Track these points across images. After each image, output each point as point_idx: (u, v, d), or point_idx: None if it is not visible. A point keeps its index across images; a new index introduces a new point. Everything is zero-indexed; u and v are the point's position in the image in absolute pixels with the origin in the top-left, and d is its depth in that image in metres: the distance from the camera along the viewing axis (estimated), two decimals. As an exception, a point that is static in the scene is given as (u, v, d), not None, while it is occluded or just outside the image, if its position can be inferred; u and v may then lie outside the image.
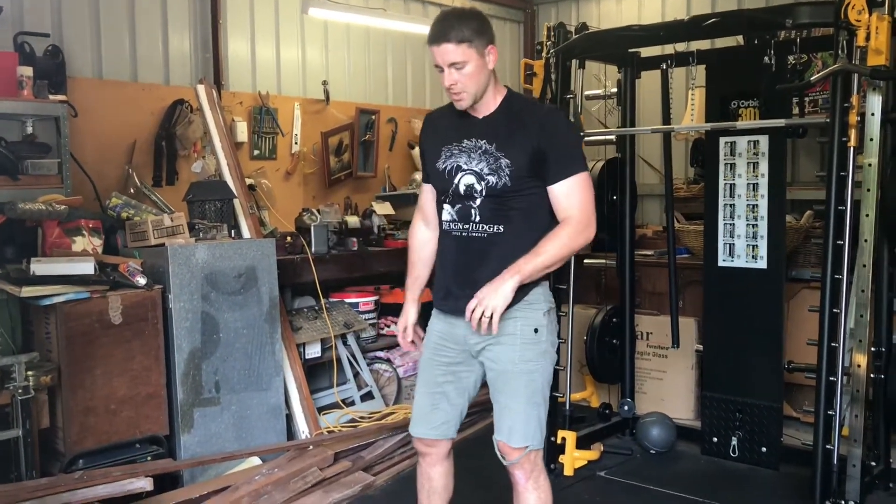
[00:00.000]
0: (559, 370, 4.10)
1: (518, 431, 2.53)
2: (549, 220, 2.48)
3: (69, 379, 3.40)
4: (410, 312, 2.76)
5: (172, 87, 4.75)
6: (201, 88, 4.54)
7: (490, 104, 2.52)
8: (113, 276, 3.58)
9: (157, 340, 3.63)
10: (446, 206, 2.57)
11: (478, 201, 2.49)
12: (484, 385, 2.68)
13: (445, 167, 2.54)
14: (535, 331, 2.53)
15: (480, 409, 4.65)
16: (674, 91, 4.44)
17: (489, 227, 2.49)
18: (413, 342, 2.73)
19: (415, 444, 2.75)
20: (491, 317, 2.34)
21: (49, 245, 3.67)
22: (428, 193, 2.72)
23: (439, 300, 2.64)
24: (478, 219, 2.50)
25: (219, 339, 3.83)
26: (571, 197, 2.44)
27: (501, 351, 2.53)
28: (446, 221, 2.58)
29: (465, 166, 2.49)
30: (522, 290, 2.46)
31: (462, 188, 2.50)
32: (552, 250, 2.41)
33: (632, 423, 4.51)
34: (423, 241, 2.77)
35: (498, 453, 2.58)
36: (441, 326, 2.65)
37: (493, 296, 2.34)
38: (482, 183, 2.47)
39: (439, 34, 2.42)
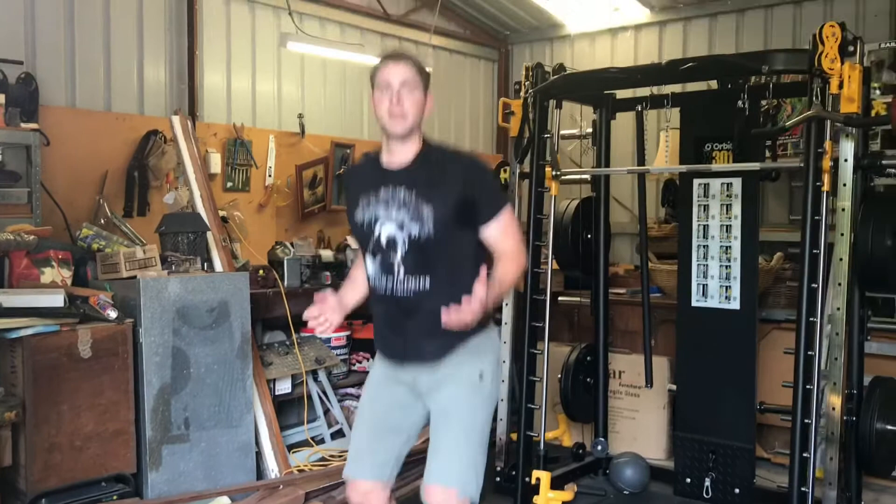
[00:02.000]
0: (534, 409, 4.10)
1: (453, 472, 2.41)
2: (472, 269, 2.39)
3: (34, 414, 3.30)
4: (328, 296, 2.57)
5: (147, 117, 4.71)
6: (176, 119, 4.49)
7: (409, 151, 2.45)
8: (83, 308, 3.50)
9: (126, 375, 3.55)
10: (369, 259, 2.48)
11: (399, 254, 2.41)
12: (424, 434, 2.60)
13: (364, 218, 2.46)
14: (481, 376, 2.49)
15: (419, 457, 4.60)
16: (647, 132, 4.50)
17: (414, 282, 2.41)
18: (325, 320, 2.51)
19: (348, 493, 2.60)
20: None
21: (17, 276, 3.58)
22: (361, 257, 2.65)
23: (380, 347, 2.59)
24: (401, 272, 2.41)
25: (189, 374, 3.75)
26: (507, 233, 2.45)
27: (446, 391, 2.47)
28: (372, 276, 2.49)
29: (382, 216, 2.42)
30: (470, 335, 2.44)
31: (384, 239, 2.42)
32: (505, 280, 2.40)
33: (605, 462, 4.49)
34: (356, 278, 2.69)
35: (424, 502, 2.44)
36: (385, 370, 2.59)
37: (470, 318, 2.24)
38: (403, 232, 2.39)
39: (398, 55, 2.44)
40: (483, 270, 2.38)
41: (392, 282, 2.43)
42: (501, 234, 2.45)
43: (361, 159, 2.68)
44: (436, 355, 2.46)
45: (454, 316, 2.22)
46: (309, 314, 2.48)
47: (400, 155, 2.45)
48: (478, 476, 2.45)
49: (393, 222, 2.40)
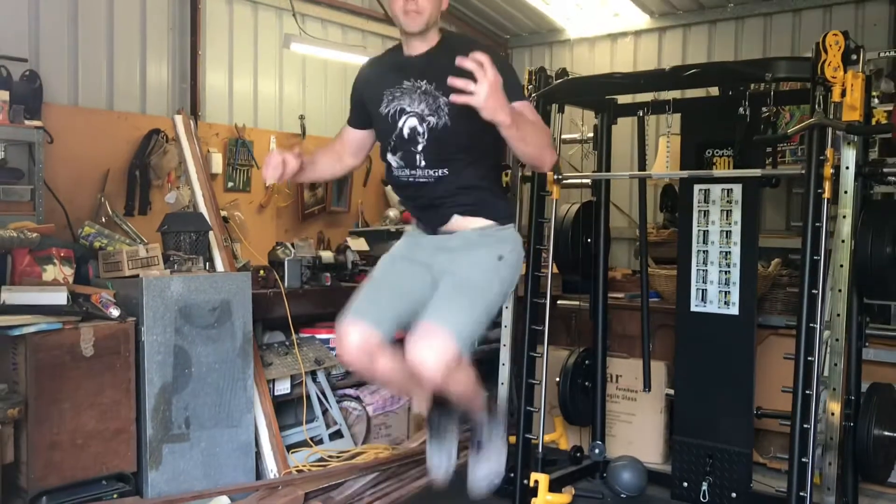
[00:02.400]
0: (533, 412, 4.12)
1: (452, 317, 2.30)
2: (492, 163, 2.44)
3: (36, 412, 3.30)
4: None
5: (149, 116, 4.71)
6: (179, 119, 4.50)
7: (429, 41, 2.45)
8: (85, 306, 3.50)
9: (128, 374, 3.56)
10: (390, 155, 2.50)
11: (420, 146, 2.42)
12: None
13: (388, 111, 2.45)
14: (500, 258, 2.47)
15: (419, 458, 4.61)
16: (648, 138, 4.53)
17: (433, 171, 2.43)
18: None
19: (339, 344, 2.46)
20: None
21: (19, 273, 3.59)
22: (349, 133, 2.68)
23: (415, 219, 2.64)
24: (422, 164, 2.44)
25: (190, 373, 3.76)
26: (527, 115, 2.33)
27: (462, 263, 2.44)
28: (394, 168, 2.52)
29: (408, 108, 2.41)
30: (493, 218, 2.47)
31: (406, 131, 2.42)
32: (536, 130, 2.32)
33: (602, 466, 4.51)
34: (332, 148, 2.71)
35: (410, 348, 2.25)
36: (404, 247, 2.61)
37: (490, 98, 2.07)
38: (424, 125, 2.39)
39: None
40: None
41: (415, 172, 2.46)
42: (520, 110, 2.29)
43: (383, 53, 2.66)
44: (463, 213, 2.46)
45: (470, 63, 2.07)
46: (270, 160, 2.44)
47: (421, 44, 2.45)
48: (473, 337, 2.38)
49: (415, 114, 2.41)
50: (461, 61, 2.07)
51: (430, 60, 2.42)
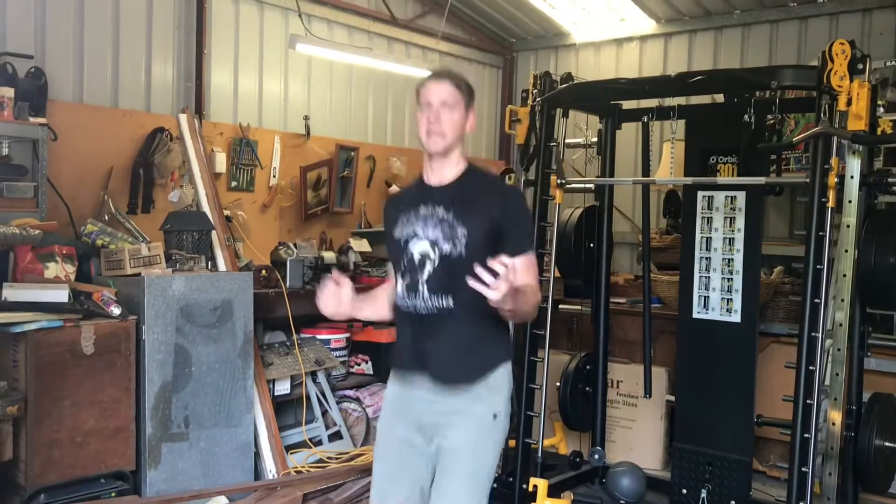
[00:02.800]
0: (533, 416, 4.11)
1: None
2: None
3: (36, 409, 3.30)
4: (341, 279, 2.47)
5: (153, 114, 4.71)
6: (183, 117, 4.50)
7: (451, 171, 2.47)
8: (87, 304, 3.50)
9: (128, 372, 3.55)
10: (399, 281, 2.47)
11: (426, 273, 2.39)
12: None
13: (401, 236, 2.44)
14: (494, 417, 2.44)
15: None
16: (652, 143, 4.52)
17: (437, 301, 2.39)
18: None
19: None
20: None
21: (21, 270, 3.58)
22: (393, 272, 2.62)
23: (399, 365, 2.54)
24: (425, 291, 2.39)
25: (191, 372, 3.75)
26: (527, 271, 2.37)
27: (459, 429, 2.41)
28: (399, 297, 2.46)
29: (420, 233, 2.41)
30: (483, 366, 2.42)
31: (416, 256, 2.40)
32: (528, 299, 2.29)
33: (602, 471, 4.50)
34: (377, 293, 2.68)
35: None
36: (392, 403, 2.55)
37: (506, 298, 2.11)
38: (436, 251, 2.39)
39: (442, 74, 2.46)
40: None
41: (417, 300, 2.41)
42: (523, 270, 2.32)
43: (407, 185, 2.71)
44: (456, 377, 2.42)
45: (489, 282, 2.11)
46: (330, 284, 2.41)
47: (441, 174, 2.47)
48: None
49: (427, 240, 2.40)
50: (493, 263, 2.10)
51: (451, 191, 2.44)
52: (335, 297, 2.40)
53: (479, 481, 2.42)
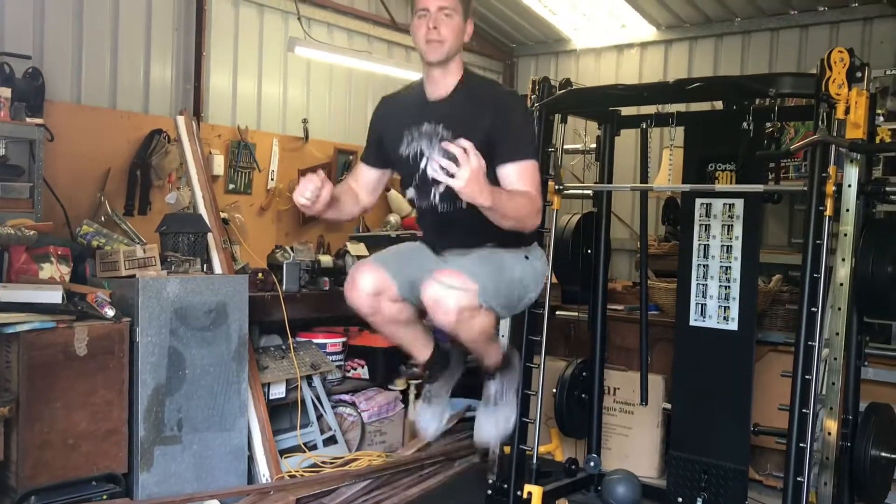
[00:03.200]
0: (528, 423, 4.09)
1: (472, 270, 2.30)
2: None
3: (27, 411, 3.28)
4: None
5: (151, 116, 4.70)
6: (181, 119, 4.49)
7: (451, 80, 2.47)
8: (80, 306, 3.49)
9: (121, 374, 3.54)
10: (411, 190, 2.57)
11: (442, 187, 2.41)
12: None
13: (409, 153, 2.50)
14: (526, 257, 2.52)
15: (444, 458, 4.61)
16: (650, 150, 4.51)
17: (456, 204, 2.44)
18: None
19: (356, 283, 2.43)
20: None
21: (15, 271, 3.57)
22: (364, 174, 2.67)
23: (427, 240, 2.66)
24: (437, 200, 2.50)
25: (184, 375, 3.74)
26: (524, 179, 2.34)
27: (477, 250, 2.47)
28: (412, 198, 2.60)
29: (427, 152, 2.46)
30: (515, 244, 2.49)
31: (429, 174, 2.36)
32: (516, 202, 2.29)
33: (597, 479, 4.48)
34: (350, 186, 2.68)
35: (427, 286, 2.26)
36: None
37: (470, 181, 2.10)
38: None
39: None
40: None
41: (435, 201, 2.50)
42: (518, 177, 2.34)
43: (403, 89, 2.66)
44: (485, 241, 2.48)
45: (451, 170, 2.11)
46: (309, 180, 2.36)
47: (441, 84, 2.46)
48: (497, 297, 2.33)
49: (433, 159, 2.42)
50: (447, 146, 2.14)
51: (450, 106, 2.45)
52: (313, 193, 2.34)
53: (501, 271, 2.39)
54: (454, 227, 2.53)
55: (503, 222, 2.28)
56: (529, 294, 2.55)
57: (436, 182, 2.35)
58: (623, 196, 5.99)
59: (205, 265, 4.07)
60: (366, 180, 2.68)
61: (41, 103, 3.98)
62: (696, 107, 5.00)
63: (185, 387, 3.73)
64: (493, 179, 2.30)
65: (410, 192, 2.57)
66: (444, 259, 2.59)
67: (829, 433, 3.30)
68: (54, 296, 3.40)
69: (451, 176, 2.09)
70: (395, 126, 2.54)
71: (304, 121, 5.46)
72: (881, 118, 4.39)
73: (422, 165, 2.46)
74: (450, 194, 2.39)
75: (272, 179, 5.28)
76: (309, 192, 2.33)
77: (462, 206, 2.36)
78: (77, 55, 4.41)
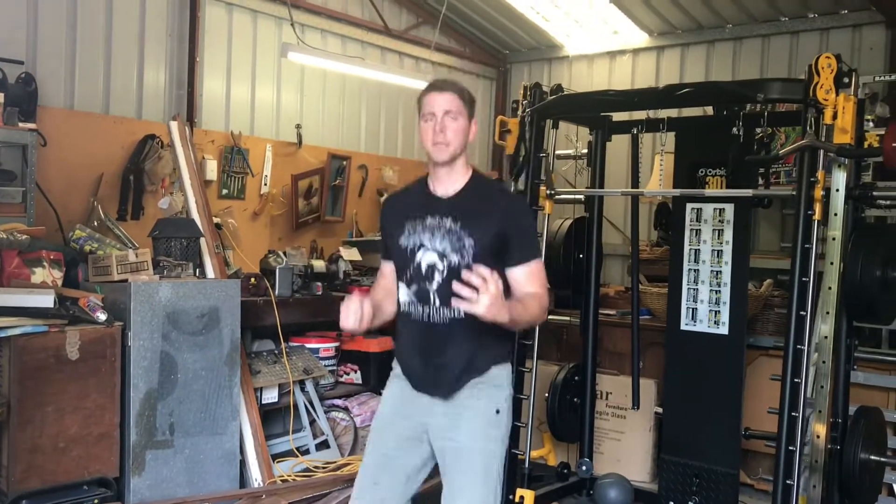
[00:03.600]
0: (520, 427, 4.09)
1: None
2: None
3: (18, 415, 3.29)
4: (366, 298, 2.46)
5: (144, 121, 4.72)
6: (174, 125, 4.51)
7: (456, 180, 2.53)
8: (72, 310, 3.50)
9: (113, 378, 3.54)
10: (403, 287, 2.52)
11: (436, 283, 2.45)
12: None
13: (408, 245, 2.50)
14: (497, 412, 2.50)
15: (436, 464, 4.60)
16: (641, 156, 4.54)
17: (449, 311, 2.43)
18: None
19: None
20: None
21: (7, 275, 3.58)
22: (388, 269, 2.66)
23: (404, 370, 2.57)
24: (437, 302, 2.45)
25: (176, 379, 3.74)
26: (533, 280, 2.48)
27: (461, 429, 2.46)
28: (405, 303, 2.52)
29: (427, 244, 2.47)
30: (490, 365, 2.49)
31: (424, 267, 2.46)
32: (527, 309, 2.40)
33: (589, 483, 4.49)
34: (386, 287, 2.66)
35: None
36: (395, 401, 2.58)
37: (491, 307, 2.20)
38: (444, 262, 2.44)
39: (443, 84, 2.51)
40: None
41: (427, 310, 2.47)
42: (527, 278, 2.47)
43: (408, 186, 2.72)
44: (459, 382, 2.47)
45: (471, 298, 2.20)
46: (349, 305, 2.39)
47: (447, 183, 2.52)
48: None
49: (435, 251, 2.46)
50: (467, 276, 2.21)
51: (458, 202, 2.50)
52: (356, 315, 2.39)
53: (490, 477, 2.47)
54: (442, 352, 2.46)
55: (515, 328, 2.47)
56: (504, 452, 2.57)
57: (430, 277, 2.44)
58: (616, 201, 6.01)
59: (197, 270, 4.07)
60: (391, 274, 2.65)
61: (34, 108, 4.00)
62: (687, 112, 5.03)
63: (177, 391, 3.74)
64: (504, 276, 2.45)
65: (403, 294, 2.52)
66: (424, 420, 2.52)
67: (818, 436, 3.31)
68: (46, 300, 3.41)
69: (469, 301, 2.20)
70: (398, 219, 2.56)
71: (298, 126, 5.48)
72: (870, 124, 4.42)
73: (418, 257, 2.47)
74: (449, 291, 2.36)
75: (265, 185, 5.29)
76: (352, 316, 2.38)
77: (460, 313, 2.38)
78: (70, 61, 4.42)
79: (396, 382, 2.61)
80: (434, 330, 2.47)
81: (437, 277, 2.45)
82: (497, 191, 2.66)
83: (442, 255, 2.45)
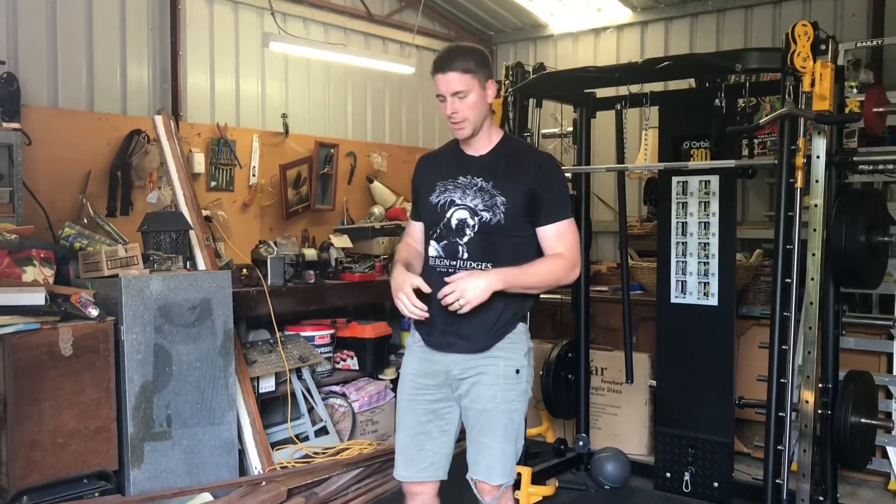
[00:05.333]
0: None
1: (497, 470, 2.55)
2: (526, 259, 2.53)
3: (15, 412, 3.31)
4: (411, 275, 2.52)
5: (129, 117, 4.72)
6: (159, 119, 4.51)
7: (486, 143, 2.59)
8: (64, 307, 3.51)
9: (108, 373, 3.56)
10: (433, 243, 2.59)
11: (466, 238, 2.52)
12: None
13: (438, 201, 2.57)
14: (517, 371, 2.57)
15: None
16: (628, 131, 4.54)
17: (477, 265, 2.51)
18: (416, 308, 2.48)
19: (403, 487, 2.71)
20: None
21: (-2, 275, 3.59)
22: (416, 230, 2.73)
23: (424, 335, 2.63)
24: (465, 255, 2.53)
25: (171, 372, 3.77)
26: (563, 239, 2.53)
27: (483, 390, 2.54)
28: (432, 258, 2.59)
29: (458, 201, 2.54)
30: (507, 327, 2.54)
31: (454, 222, 2.53)
32: (540, 273, 2.49)
33: (587, 458, 4.53)
34: (413, 247, 2.72)
35: (475, 490, 2.60)
36: (417, 365, 2.65)
37: (472, 290, 2.36)
38: (475, 218, 2.51)
39: (445, 63, 2.50)
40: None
41: (456, 264, 2.54)
42: (556, 237, 2.53)
43: (440, 148, 2.78)
44: (482, 343, 2.53)
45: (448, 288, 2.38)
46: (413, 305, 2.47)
47: (477, 146, 2.59)
48: (515, 463, 2.63)
49: (466, 208, 2.53)
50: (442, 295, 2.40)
51: (488, 161, 2.57)
52: (414, 301, 2.46)
53: (511, 434, 2.57)
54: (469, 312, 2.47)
55: (533, 292, 2.55)
56: (525, 409, 2.66)
57: (460, 233, 2.52)
58: (606, 179, 6.02)
59: (188, 262, 4.09)
60: (419, 235, 2.72)
61: (17, 108, 4.00)
62: (673, 86, 5.04)
63: (172, 383, 3.76)
64: (529, 238, 2.55)
65: (433, 250, 2.59)
66: (447, 384, 2.61)
67: (807, 402, 3.35)
68: (37, 297, 3.43)
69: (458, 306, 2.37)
70: (430, 178, 2.64)
71: (284, 116, 5.48)
72: (854, 90, 4.43)
73: (448, 214, 2.54)
74: (479, 246, 2.50)
75: (254, 175, 5.30)
76: (412, 304, 2.46)
77: (487, 267, 2.49)
78: (52, 59, 4.42)
79: (415, 353, 2.66)
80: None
81: (469, 232, 2.52)
82: (529, 151, 2.70)
83: (473, 212, 2.52)
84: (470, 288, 2.36)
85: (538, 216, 2.52)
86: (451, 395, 2.62)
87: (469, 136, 2.54)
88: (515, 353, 2.57)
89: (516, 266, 2.46)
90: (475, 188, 2.53)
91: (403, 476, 2.67)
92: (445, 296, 2.39)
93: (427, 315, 2.47)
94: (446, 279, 2.43)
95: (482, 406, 2.54)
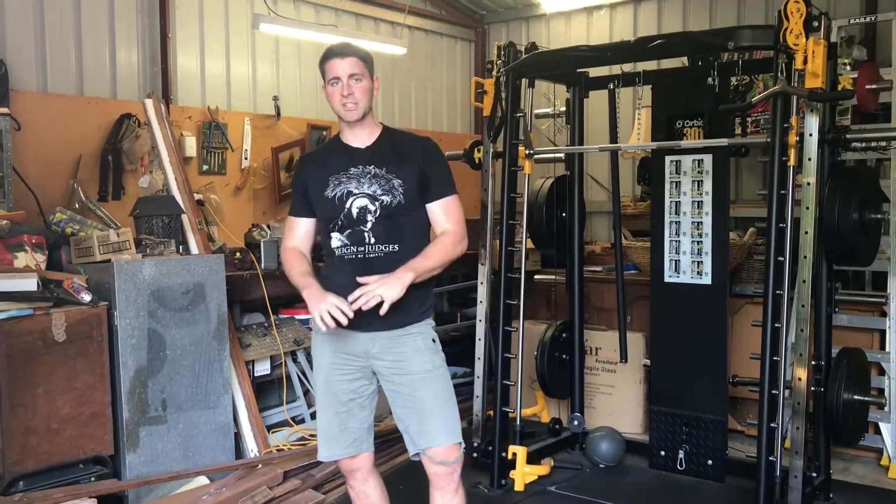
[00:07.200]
0: (510, 385, 4.15)
1: (451, 429, 2.67)
2: (427, 241, 2.69)
3: (9, 398, 3.31)
4: (325, 293, 2.54)
5: (119, 101, 4.68)
6: (149, 103, 4.48)
7: (371, 134, 2.72)
8: (57, 292, 3.50)
9: (101, 358, 3.56)
10: (336, 234, 2.66)
11: (370, 223, 2.63)
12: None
13: (335, 194, 2.66)
14: (433, 340, 2.74)
15: (395, 436, 4.65)
16: (621, 110, 4.53)
17: (384, 247, 2.63)
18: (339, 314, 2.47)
19: (341, 467, 2.84)
20: (381, 303, 2.45)
21: (-11, 261, 3.58)
22: (299, 226, 2.79)
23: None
24: (372, 241, 2.63)
25: (165, 356, 3.77)
26: (450, 213, 2.70)
27: (412, 362, 2.67)
28: (338, 248, 2.67)
29: (356, 190, 2.64)
30: (421, 307, 2.69)
31: (355, 211, 2.62)
32: (438, 255, 2.62)
33: (581, 437, 4.55)
34: (299, 253, 2.77)
35: (429, 463, 2.68)
36: (332, 346, 2.71)
37: (390, 287, 2.45)
38: (376, 203, 2.63)
39: (344, 50, 2.67)
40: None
41: (364, 249, 2.63)
42: (444, 213, 2.70)
43: (320, 146, 2.90)
44: (398, 322, 2.63)
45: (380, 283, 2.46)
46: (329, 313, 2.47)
47: (362, 136, 2.71)
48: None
49: (365, 195, 2.63)
50: (357, 295, 2.45)
51: (376, 149, 2.70)
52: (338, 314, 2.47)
53: (452, 396, 2.72)
54: (382, 273, 2.53)
55: (435, 273, 2.65)
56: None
57: (362, 220, 2.61)
58: (600, 159, 6.01)
59: (180, 247, 4.07)
60: (302, 231, 2.80)
61: (6, 93, 3.98)
62: (666, 65, 5.02)
63: (166, 367, 3.77)
64: (425, 217, 2.71)
65: (336, 241, 2.65)
66: (365, 363, 2.71)
67: (800, 379, 3.36)
68: (29, 283, 3.41)
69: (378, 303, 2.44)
70: (319, 174, 2.71)
71: (275, 98, 5.45)
72: (848, 67, 4.42)
73: (348, 204, 2.63)
74: (384, 229, 2.62)
75: (246, 158, 5.28)
76: (342, 310, 2.46)
77: (394, 248, 2.63)
78: (40, 43, 4.38)
79: (329, 336, 2.66)
80: (371, 263, 2.61)
81: (370, 218, 2.62)
82: (411, 137, 2.85)
83: (373, 198, 2.62)
84: (388, 288, 2.44)
85: (428, 193, 2.68)
86: (369, 374, 2.72)
87: (358, 118, 2.65)
88: (426, 327, 2.72)
89: (419, 254, 2.58)
90: (370, 175, 2.64)
91: (327, 456, 2.79)
92: (358, 297, 2.44)
93: (352, 316, 2.48)
94: (359, 279, 2.52)
95: (418, 375, 2.66)
